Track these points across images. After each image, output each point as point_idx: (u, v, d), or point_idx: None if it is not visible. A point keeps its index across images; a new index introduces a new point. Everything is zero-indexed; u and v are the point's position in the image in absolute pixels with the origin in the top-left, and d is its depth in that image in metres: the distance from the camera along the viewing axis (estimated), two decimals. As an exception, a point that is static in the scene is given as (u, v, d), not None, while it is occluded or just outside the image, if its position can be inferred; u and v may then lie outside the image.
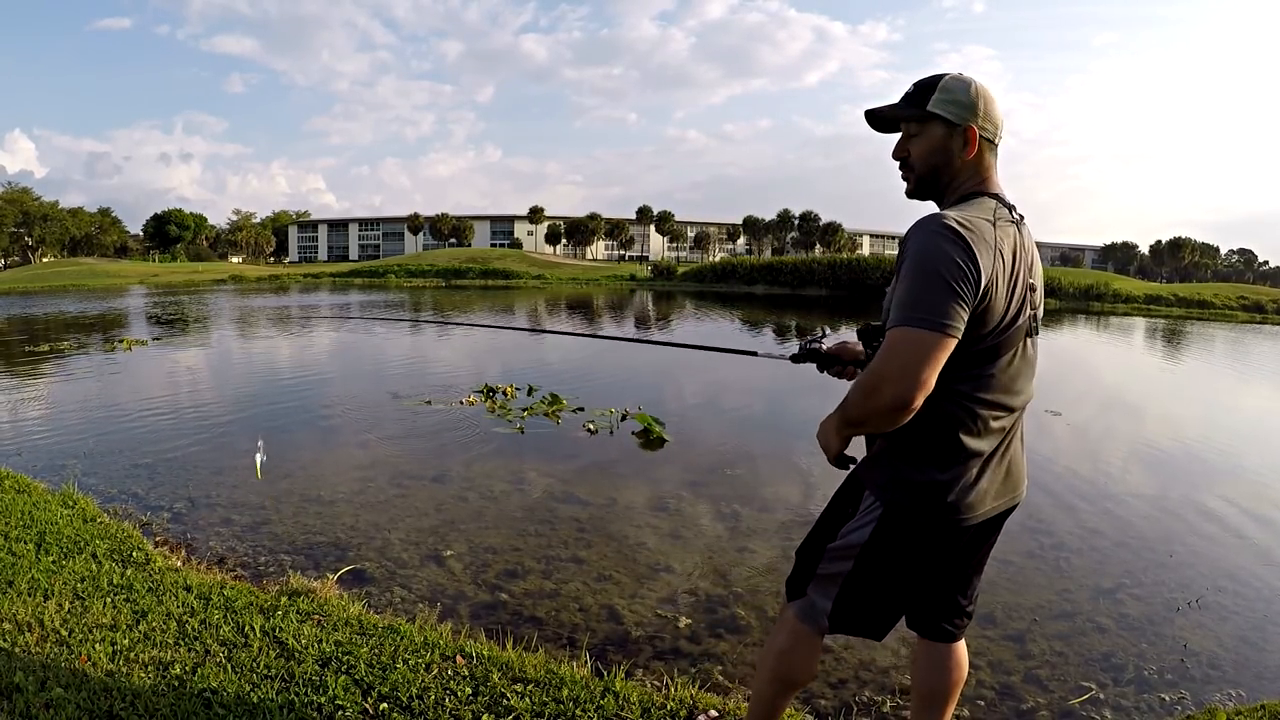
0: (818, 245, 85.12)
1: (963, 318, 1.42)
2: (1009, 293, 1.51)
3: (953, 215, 1.48)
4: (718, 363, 11.29)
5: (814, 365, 1.94)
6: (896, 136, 1.69)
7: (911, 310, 1.42)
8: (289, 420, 7.35)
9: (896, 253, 1.61)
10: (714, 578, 3.81)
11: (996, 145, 1.62)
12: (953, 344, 1.42)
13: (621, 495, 5.10)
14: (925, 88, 1.60)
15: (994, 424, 1.57)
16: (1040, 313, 1.64)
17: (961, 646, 1.88)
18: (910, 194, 1.68)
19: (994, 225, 1.50)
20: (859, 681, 2.87)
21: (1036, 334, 1.62)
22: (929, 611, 1.82)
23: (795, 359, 1.96)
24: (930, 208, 1.64)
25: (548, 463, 5.86)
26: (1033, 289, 1.59)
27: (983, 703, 2.78)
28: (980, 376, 1.53)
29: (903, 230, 1.56)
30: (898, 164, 1.67)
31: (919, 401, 1.42)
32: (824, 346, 1.92)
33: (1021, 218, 1.60)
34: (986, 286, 1.45)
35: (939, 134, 1.59)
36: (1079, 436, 7.41)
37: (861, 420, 1.53)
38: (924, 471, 1.56)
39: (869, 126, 1.71)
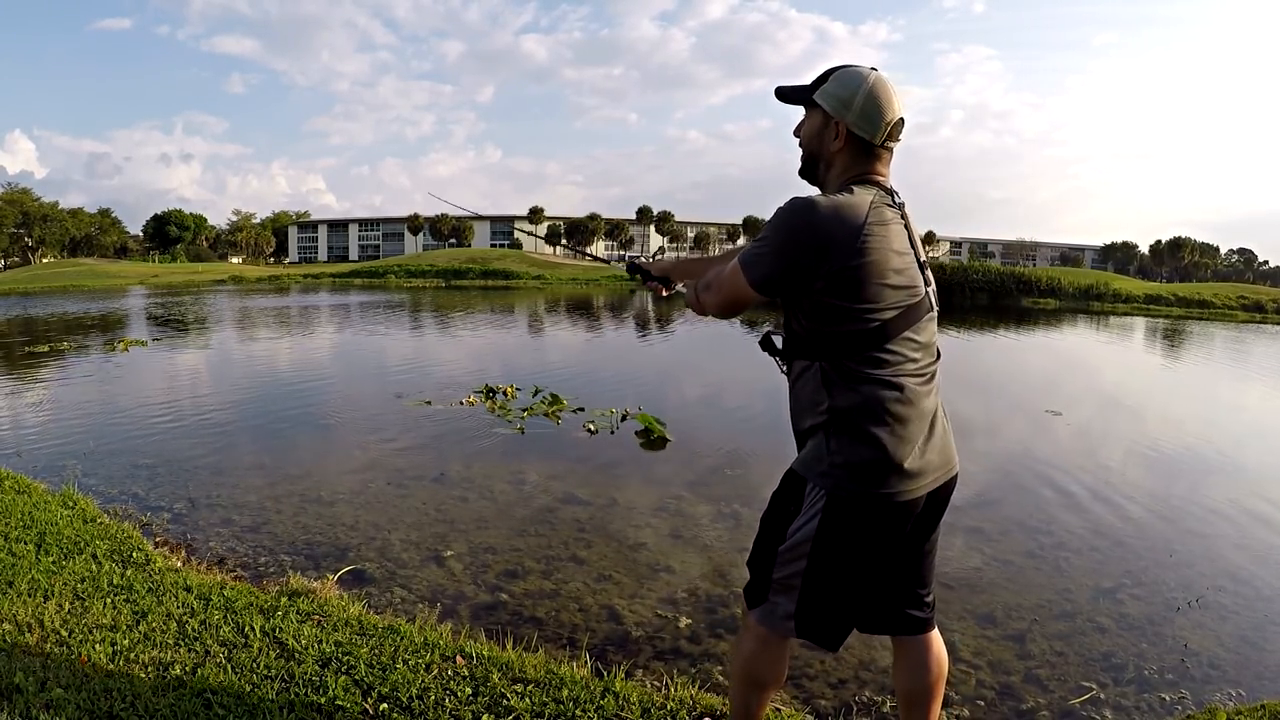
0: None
1: (782, 288, 1.61)
2: (897, 271, 1.58)
3: (823, 199, 1.58)
4: (719, 362, 11.28)
5: (641, 277, 2.16)
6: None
7: (749, 263, 1.63)
8: (289, 420, 7.35)
9: None
10: (714, 578, 3.81)
11: (882, 146, 1.64)
12: (761, 300, 1.65)
13: (622, 495, 5.10)
14: (825, 75, 1.68)
15: (916, 395, 1.61)
16: (934, 289, 1.70)
17: (937, 639, 1.86)
18: (799, 172, 1.77)
19: (869, 209, 1.56)
20: (859, 681, 2.87)
21: (933, 310, 1.68)
22: (890, 606, 1.80)
23: (629, 270, 2.20)
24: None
25: (548, 463, 5.86)
26: (923, 267, 1.66)
27: (983, 703, 2.77)
28: (886, 353, 1.58)
29: None
30: (798, 143, 1.76)
31: (719, 317, 1.79)
32: (640, 261, 2.20)
33: (903, 203, 1.66)
34: (847, 268, 1.53)
35: (818, 122, 1.68)
36: (1079, 436, 7.40)
37: (689, 299, 1.87)
38: (861, 450, 1.58)
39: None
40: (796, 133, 1.74)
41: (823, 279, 1.55)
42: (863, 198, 1.57)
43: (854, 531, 1.63)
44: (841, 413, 1.59)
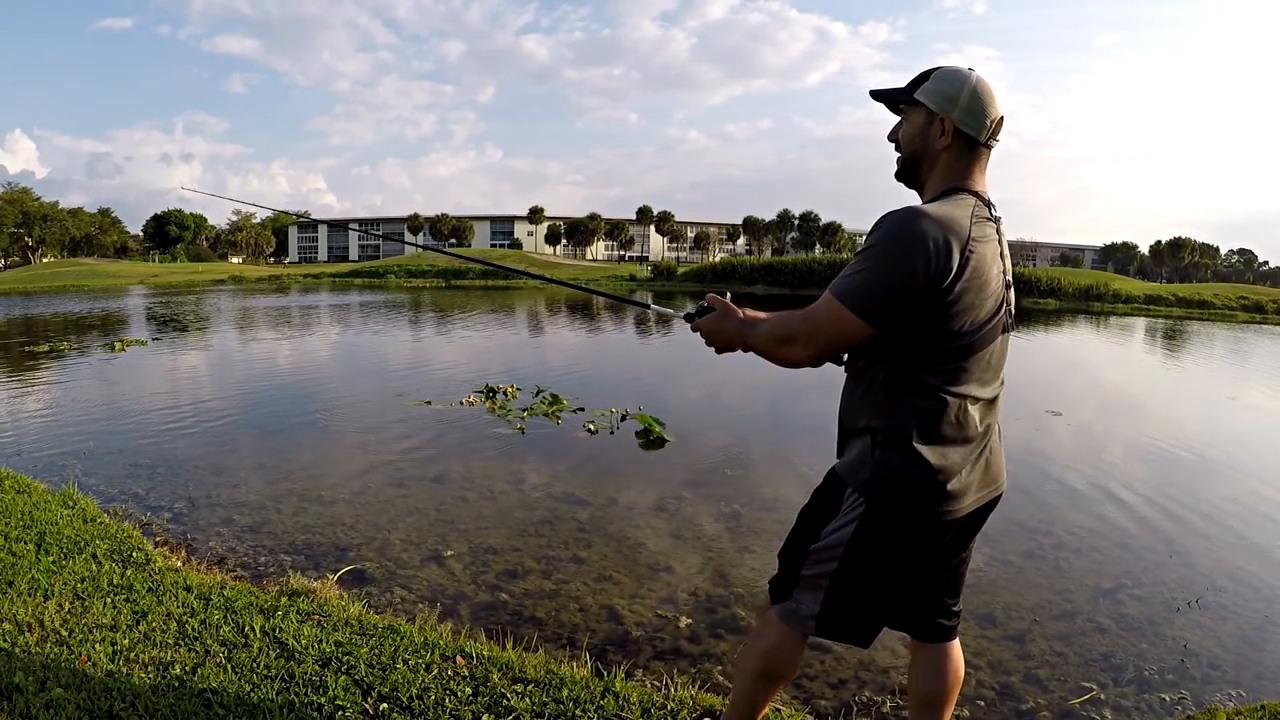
0: (818, 245, 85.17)
1: (891, 310, 1.48)
2: (988, 289, 1.53)
3: (929, 209, 1.50)
4: (719, 362, 11.27)
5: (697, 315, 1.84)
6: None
7: (850, 288, 1.50)
8: (289, 420, 7.35)
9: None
10: (714, 578, 3.81)
11: (984, 145, 1.61)
12: (869, 333, 1.51)
13: (622, 495, 5.10)
14: (923, 75, 1.64)
15: (972, 416, 1.58)
16: (1013, 308, 1.66)
17: (956, 648, 1.86)
18: (896, 175, 1.71)
19: (971, 223, 1.51)
20: (859, 681, 2.87)
21: (1011, 330, 1.64)
22: (918, 612, 1.80)
23: (689, 318, 1.86)
24: (913, 196, 1.69)
25: (548, 463, 5.86)
26: (1009, 285, 1.62)
27: (983, 703, 2.77)
28: (959, 370, 1.54)
29: None
30: (893, 147, 1.70)
31: (814, 366, 1.61)
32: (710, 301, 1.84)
33: (999, 218, 1.62)
34: (951, 279, 1.46)
35: (920, 120, 1.62)
36: (1079, 436, 7.40)
37: (765, 355, 1.66)
38: (907, 465, 1.55)
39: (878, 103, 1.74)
40: (892, 137, 1.70)
41: (924, 294, 1.47)
42: (964, 209, 1.52)
43: (888, 542, 1.61)
44: (894, 423, 1.56)
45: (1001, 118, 1.61)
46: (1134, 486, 5.63)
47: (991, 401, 1.62)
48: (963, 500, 1.59)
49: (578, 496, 5.05)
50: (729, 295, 1.85)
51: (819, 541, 1.68)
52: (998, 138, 1.61)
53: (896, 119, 1.70)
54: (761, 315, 1.70)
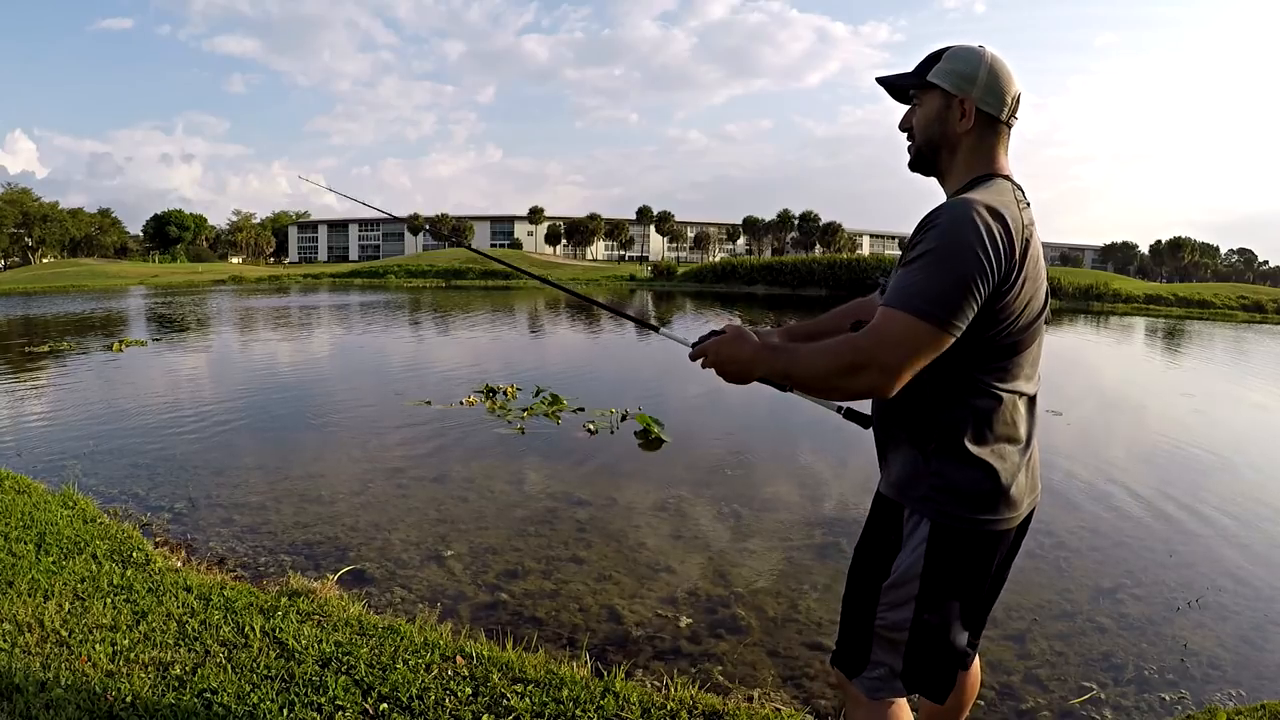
0: (818, 245, 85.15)
1: (970, 316, 1.35)
2: (1040, 278, 1.46)
3: (980, 200, 1.37)
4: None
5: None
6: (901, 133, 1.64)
7: (918, 298, 1.33)
8: (289, 420, 7.35)
9: (907, 242, 1.49)
10: (714, 578, 3.81)
11: (1004, 125, 1.50)
12: (947, 344, 1.35)
13: (622, 495, 5.10)
14: (933, 57, 1.53)
15: (1022, 415, 1.50)
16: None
17: (975, 662, 1.81)
18: (910, 165, 1.59)
19: (1019, 209, 1.42)
20: (859, 681, 2.87)
21: (1049, 323, 1.57)
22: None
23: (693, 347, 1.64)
24: (927, 186, 1.60)
25: (548, 463, 5.87)
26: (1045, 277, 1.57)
27: (983, 703, 2.77)
28: (1010, 365, 1.45)
29: (903, 230, 1.53)
30: (905, 136, 1.60)
31: (885, 396, 1.38)
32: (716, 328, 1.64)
33: (1030, 203, 1.53)
34: (1013, 275, 1.37)
35: (937, 104, 1.51)
36: (1079, 436, 7.40)
37: (819, 388, 1.43)
38: (964, 471, 1.45)
39: (887, 94, 1.64)
40: (904, 126, 1.58)
41: (991, 291, 1.36)
42: (1008, 197, 1.42)
43: (962, 560, 1.49)
44: (947, 428, 1.45)
45: (1020, 94, 1.50)
46: (1134, 486, 5.63)
47: (1034, 400, 1.53)
48: (1019, 507, 1.51)
49: (578, 496, 5.05)
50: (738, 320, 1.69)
51: (890, 578, 1.52)
52: (1017, 115, 1.51)
53: (905, 108, 1.59)
54: (781, 344, 1.52)
